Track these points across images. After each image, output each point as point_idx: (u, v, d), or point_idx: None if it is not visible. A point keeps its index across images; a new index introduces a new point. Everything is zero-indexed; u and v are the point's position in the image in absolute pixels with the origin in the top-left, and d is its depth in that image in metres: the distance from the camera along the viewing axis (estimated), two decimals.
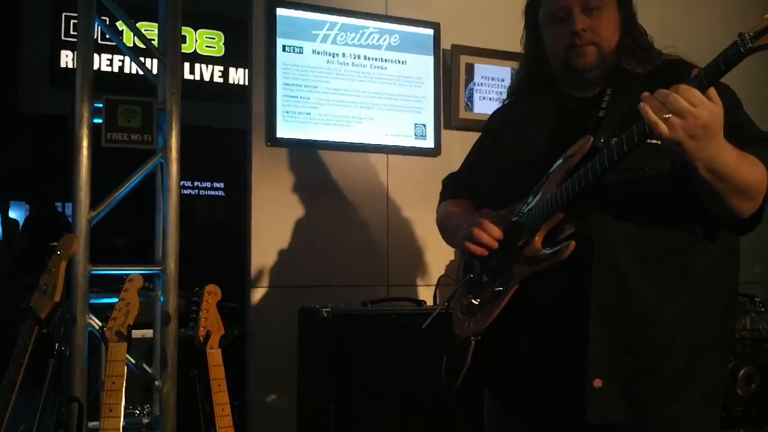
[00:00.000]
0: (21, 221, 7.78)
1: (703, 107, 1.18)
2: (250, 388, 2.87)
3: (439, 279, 2.83)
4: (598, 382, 1.39)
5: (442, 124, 3.25)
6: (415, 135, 3.20)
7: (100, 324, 2.34)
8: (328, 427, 2.39)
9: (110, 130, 2.49)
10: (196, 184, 7.84)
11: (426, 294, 3.06)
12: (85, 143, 2.45)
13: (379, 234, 3.10)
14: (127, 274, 2.37)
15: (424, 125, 3.22)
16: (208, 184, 7.89)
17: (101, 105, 2.48)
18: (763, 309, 2.98)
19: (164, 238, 2.54)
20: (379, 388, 2.42)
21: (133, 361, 2.48)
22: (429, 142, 3.22)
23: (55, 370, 2.04)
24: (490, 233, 1.52)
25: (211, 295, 2.25)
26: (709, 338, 1.45)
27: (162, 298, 2.53)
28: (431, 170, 3.03)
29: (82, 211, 2.44)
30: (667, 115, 1.19)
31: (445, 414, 2.42)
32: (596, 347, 1.40)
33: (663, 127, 1.19)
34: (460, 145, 3.06)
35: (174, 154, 2.56)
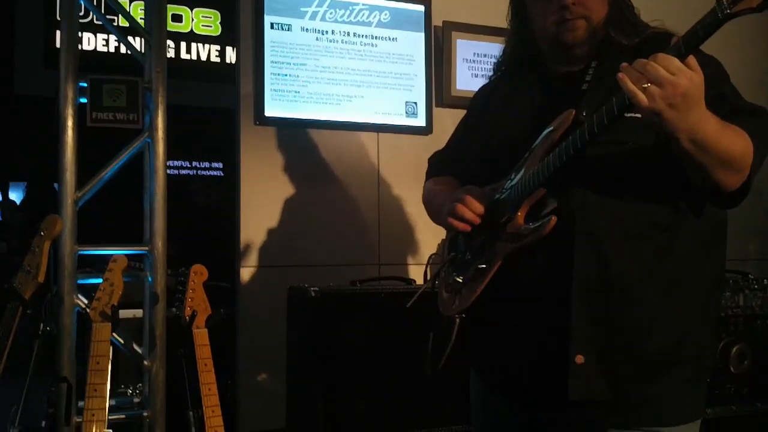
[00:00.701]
0: (19, 202, 7.79)
1: (682, 75, 1.16)
2: (240, 368, 2.87)
3: (430, 257, 2.81)
4: (580, 359, 1.38)
5: (433, 102, 3.22)
6: (406, 113, 3.17)
7: (86, 303, 2.33)
8: (315, 406, 2.39)
9: (95, 109, 2.47)
10: (194, 164, 7.82)
11: (417, 272, 3.05)
12: (70, 123, 2.43)
13: (370, 213, 3.08)
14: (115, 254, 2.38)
15: (416, 103, 3.19)
16: (207, 164, 7.87)
17: (87, 84, 2.47)
18: (756, 287, 2.97)
19: (151, 218, 2.52)
20: (367, 367, 2.42)
21: (122, 341, 2.49)
22: (420, 121, 3.19)
23: (40, 351, 2.04)
24: (473, 208, 1.51)
25: (198, 275, 2.25)
26: (692, 318, 1.43)
27: (150, 278, 2.52)
28: (422, 149, 2.97)
29: (68, 192, 2.43)
30: (646, 85, 1.17)
31: (434, 393, 2.42)
32: (578, 324, 1.39)
33: (642, 97, 1.17)
34: (451, 123, 2.98)
35: (160, 134, 2.53)
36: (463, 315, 1.56)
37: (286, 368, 2.65)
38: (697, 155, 1.24)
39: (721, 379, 2.79)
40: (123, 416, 2.48)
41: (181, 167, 7.45)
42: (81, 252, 2.43)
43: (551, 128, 1.43)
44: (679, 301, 1.41)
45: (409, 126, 3.17)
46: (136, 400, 2.67)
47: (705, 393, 1.52)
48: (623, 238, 1.39)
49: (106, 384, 1.96)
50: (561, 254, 1.40)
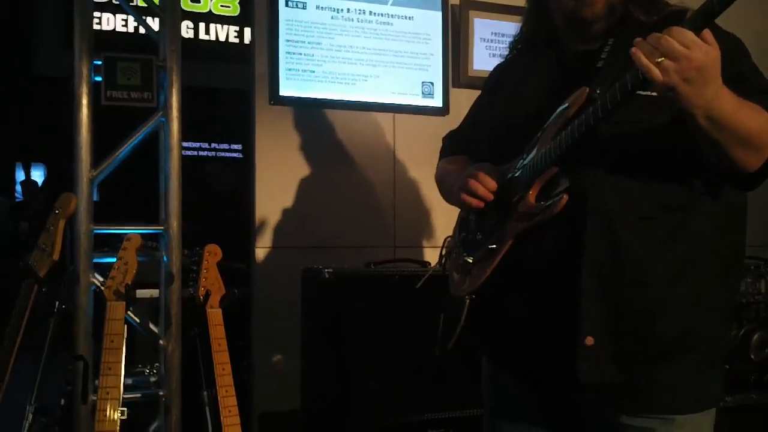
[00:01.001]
0: (41, 183, 7.87)
1: (696, 49, 1.12)
2: (254, 348, 2.88)
3: (446, 240, 2.80)
4: (590, 340, 1.36)
5: (450, 82, 3.18)
6: (423, 93, 3.13)
7: (102, 281, 2.34)
8: (328, 387, 2.40)
9: (110, 87, 2.48)
10: (213, 146, 7.84)
11: (433, 255, 3.02)
12: (84, 101, 2.42)
13: (385, 195, 3.07)
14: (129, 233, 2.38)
15: (432, 83, 3.15)
16: (226, 146, 7.88)
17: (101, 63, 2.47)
18: None
19: (166, 198, 2.52)
20: (381, 348, 2.41)
21: (138, 320, 2.49)
22: (437, 101, 3.15)
23: (55, 329, 2.06)
24: (486, 184, 1.49)
25: (212, 254, 2.24)
26: (705, 301, 1.40)
27: (165, 258, 2.52)
28: (439, 130, 2.94)
29: (84, 170, 2.42)
30: (660, 59, 1.13)
31: (447, 376, 2.41)
32: (588, 305, 1.36)
33: (656, 72, 1.14)
34: (468, 104, 2.97)
35: (175, 113, 2.52)
36: (473, 296, 1.54)
37: (300, 349, 2.65)
38: (713, 132, 1.21)
39: (741, 367, 2.75)
40: (139, 395, 2.49)
41: (200, 149, 7.47)
42: (97, 231, 2.44)
43: (564, 106, 1.40)
44: (692, 283, 1.38)
45: (425, 106, 3.13)
46: (152, 379, 2.68)
47: (720, 380, 1.49)
48: (636, 218, 1.36)
49: (120, 362, 1.96)
50: (572, 234, 1.38)
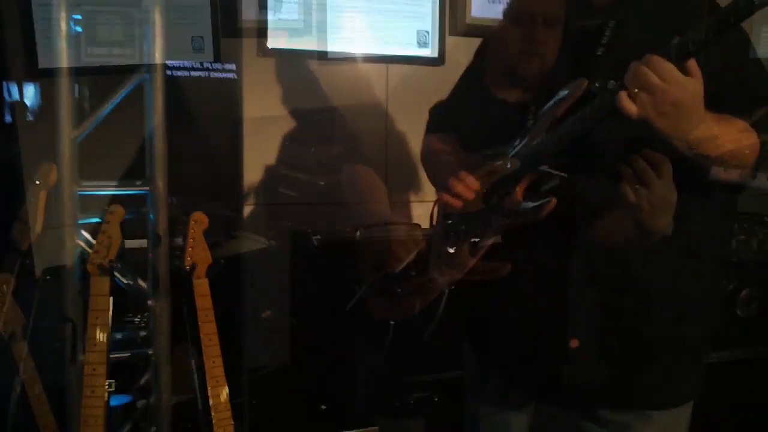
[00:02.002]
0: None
1: (674, 83, 1.08)
2: (244, 306, 2.88)
3: (437, 201, 2.76)
4: (575, 343, 1.37)
5: (447, 30, 3.05)
6: (418, 43, 3.01)
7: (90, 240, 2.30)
8: (317, 346, 2.42)
9: (90, 44, 2.36)
10: (206, 65, 7.62)
11: (422, 210, 2.99)
12: (63, 57, 2.32)
13: (377, 149, 3.00)
14: (116, 194, 2.34)
15: (428, 32, 3.02)
16: (219, 66, 7.67)
17: (80, 17, 2.34)
18: None
19: (152, 157, 2.46)
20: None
21: (125, 281, 2.48)
22: (432, 51, 3.03)
23: (40, 302, 2.05)
24: (467, 184, 1.46)
25: (198, 223, 2.21)
26: (694, 303, 1.41)
27: (152, 217, 2.49)
28: (434, 81, 2.87)
29: (65, 131, 2.35)
30: (636, 90, 1.09)
31: (437, 348, 2.43)
32: (574, 307, 1.36)
33: (631, 107, 1.10)
34: (465, 54, 2.85)
35: (159, 69, 2.43)
36: (452, 287, 1.54)
37: (289, 308, 2.66)
38: (697, 158, 1.19)
39: (728, 323, 2.79)
40: (128, 354, 2.51)
41: (193, 69, 7.28)
42: (81, 192, 2.39)
43: (560, 96, 1.35)
44: (681, 285, 1.38)
45: (419, 57, 3.02)
46: (142, 333, 2.70)
47: (701, 373, 1.51)
48: None
49: (106, 340, 1.96)
50: (560, 234, 1.36)
